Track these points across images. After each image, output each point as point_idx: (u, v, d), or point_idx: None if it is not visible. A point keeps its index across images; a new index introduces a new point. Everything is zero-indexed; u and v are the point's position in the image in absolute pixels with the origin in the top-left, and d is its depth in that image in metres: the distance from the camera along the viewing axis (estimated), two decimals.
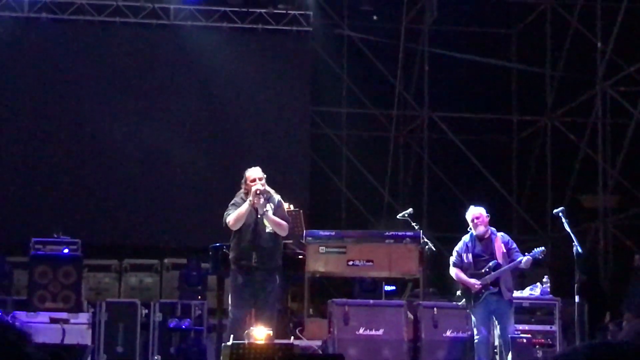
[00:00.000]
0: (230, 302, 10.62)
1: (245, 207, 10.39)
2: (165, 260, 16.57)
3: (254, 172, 10.64)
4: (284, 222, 10.68)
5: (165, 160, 17.51)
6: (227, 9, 18.14)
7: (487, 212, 11.41)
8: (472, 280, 11.15)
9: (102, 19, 17.83)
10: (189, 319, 14.09)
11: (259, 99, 18.03)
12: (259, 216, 10.44)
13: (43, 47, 17.74)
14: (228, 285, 11.47)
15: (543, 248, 11.31)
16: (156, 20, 17.98)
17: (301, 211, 13.26)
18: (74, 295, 13.54)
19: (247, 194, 10.55)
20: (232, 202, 10.64)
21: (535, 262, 11.38)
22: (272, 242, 10.64)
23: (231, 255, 10.65)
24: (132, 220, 17.42)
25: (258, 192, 10.35)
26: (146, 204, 17.43)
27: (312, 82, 18.74)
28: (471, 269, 11.24)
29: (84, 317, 13.23)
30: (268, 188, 10.61)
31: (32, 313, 13.10)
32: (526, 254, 11.26)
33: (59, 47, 17.75)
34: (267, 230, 10.52)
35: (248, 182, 10.58)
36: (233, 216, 10.40)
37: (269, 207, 10.53)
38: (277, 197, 10.76)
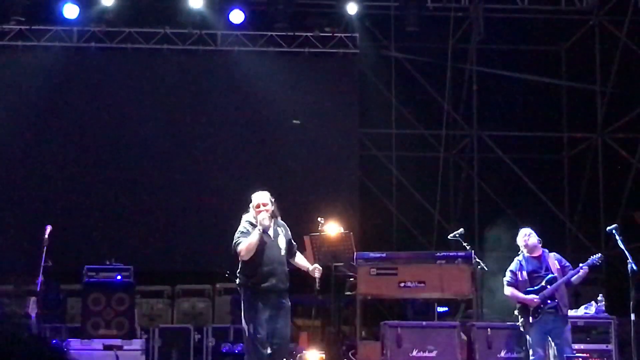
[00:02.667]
0: (248, 321, 10.43)
1: (256, 237, 10.30)
2: (217, 285, 16.60)
3: (260, 197, 10.57)
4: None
5: (216, 186, 17.57)
6: (274, 33, 18.21)
7: (537, 233, 11.38)
8: (530, 296, 11.05)
9: (150, 46, 18.00)
10: (241, 344, 14.08)
11: (307, 122, 18.04)
12: (272, 239, 10.46)
13: (92, 76, 17.94)
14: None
15: (600, 254, 11.20)
16: (203, 47, 18.13)
17: (351, 233, 13.18)
18: (127, 321, 13.60)
19: (253, 217, 10.49)
20: (241, 229, 10.53)
21: (594, 268, 11.27)
22: (286, 265, 10.62)
23: (245, 279, 10.51)
24: (184, 246, 17.46)
25: (262, 227, 10.33)
26: (198, 230, 17.47)
27: (360, 104, 18.72)
28: (526, 286, 11.14)
29: (137, 344, 13.28)
30: (276, 212, 10.59)
31: (86, 340, 13.15)
32: (580, 264, 11.18)
33: (108, 76, 17.93)
34: (282, 253, 10.53)
35: (255, 206, 10.54)
36: (244, 246, 10.33)
37: (281, 232, 10.56)
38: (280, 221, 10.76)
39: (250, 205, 10.58)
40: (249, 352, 10.50)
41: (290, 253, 10.71)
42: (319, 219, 12.10)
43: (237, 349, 14.02)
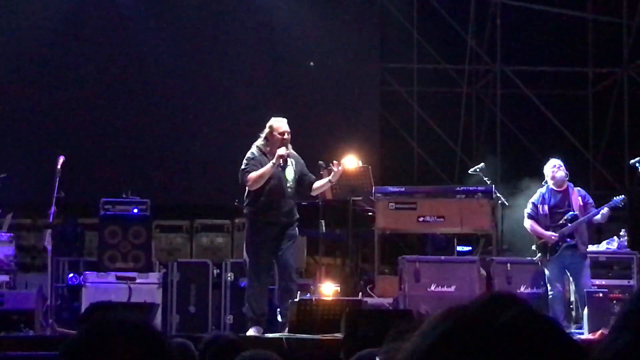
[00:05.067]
0: (249, 252, 10.45)
1: (268, 169, 9.99)
2: (237, 220, 16.47)
3: (285, 124, 10.24)
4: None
5: (235, 119, 17.42)
6: None
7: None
8: (549, 233, 10.89)
9: None
10: None
11: (328, 56, 17.84)
12: (280, 169, 10.13)
13: (110, 9, 17.75)
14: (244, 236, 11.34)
15: (622, 196, 11.02)
16: None
17: (369, 167, 13.03)
18: (144, 255, 13.51)
19: (267, 144, 10.16)
20: (250, 155, 10.23)
21: (616, 209, 11.10)
22: (293, 197, 10.38)
23: (251, 209, 10.26)
24: (203, 180, 17.38)
25: (282, 157, 10.00)
26: (217, 164, 17.34)
27: (381, 38, 18.46)
28: (546, 221, 10.98)
29: (154, 277, 13.21)
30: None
31: (102, 273, 13.10)
32: (604, 206, 11.01)
33: (126, 10, 17.71)
34: (289, 184, 10.22)
35: (276, 133, 10.14)
36: (254, 176, 10.01)
37: (290, 163, 10.24)
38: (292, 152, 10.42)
39: (267, 131, 10.23)
40: (250, 283, 10.45)
41: (304, 185, 10.40)
42: (320, 162, 11.89)
43: None
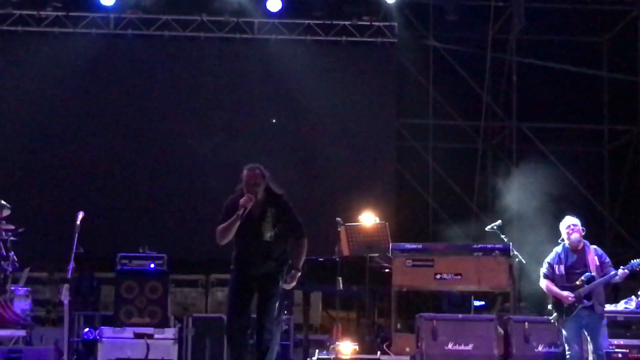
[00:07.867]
0: (226, 310, 9.55)
1: (232, 221, 9.08)
2: None
3: (248, 172, 9.35)
4: (304, 250, 9.38)
5: None
6: (311, 21, 18.11)
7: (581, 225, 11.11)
8: (565, 293, 10.81)
9: (187, 34, 17.99)
10: None
11: (344, 112, 17.93)
12: (255, 219, 9.21)
13: (129, 63, 17.92)
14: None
15: None
16: (240, 35, 18.05)
17: (387, 224, 13.05)
18: (160, 310, 13.51)
19: (241, 196, 9.24)
20: (225, 204, 9.31)
21: (633, 273, 11.01)
22: (269, 248, 9.22)
23: (232, 261, 9.40)
24: None
25: (244, 207, 9.07)
26: None
27: (397, 94, 18.55)
28: (563, 282, 10.90)
29: (170, 332, 13.19)
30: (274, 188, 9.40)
31: (119, 328, 13.09)
32: (622, 267, 10.90)
33: (145, 63, 17.92)
34: (265, 235, 9.22)
35: (243, 182, 9.30)
36: (219, 229, 9.17)
37: (270, 212, 9.26)
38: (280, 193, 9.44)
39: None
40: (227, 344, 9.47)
41: (286, 235, 9.39)
42: (337, 219, 11.62)
43: None
